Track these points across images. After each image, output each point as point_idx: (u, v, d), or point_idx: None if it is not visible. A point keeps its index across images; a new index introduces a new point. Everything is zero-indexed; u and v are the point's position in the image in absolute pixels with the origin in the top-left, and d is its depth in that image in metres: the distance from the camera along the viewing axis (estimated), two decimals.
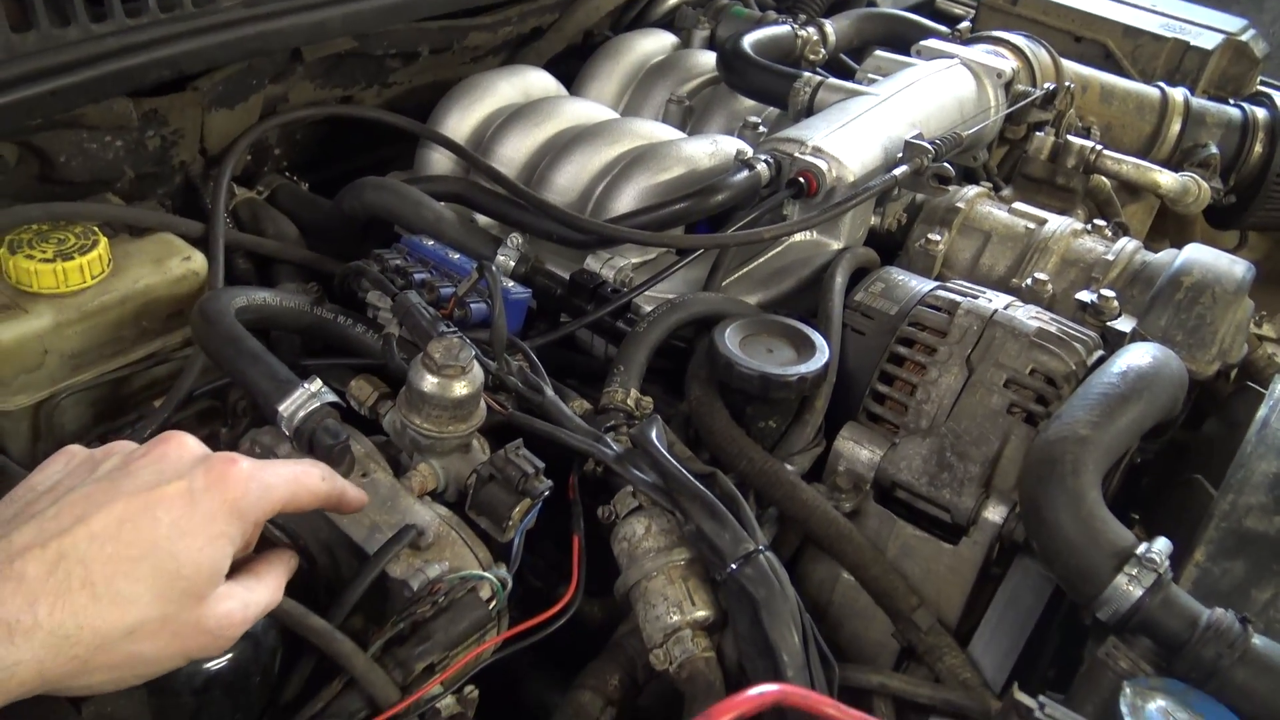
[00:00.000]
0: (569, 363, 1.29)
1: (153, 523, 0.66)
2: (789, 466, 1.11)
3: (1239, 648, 0.89)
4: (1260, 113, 2.01)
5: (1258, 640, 0.90)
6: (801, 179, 1.29)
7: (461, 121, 1.51)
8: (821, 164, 1.29)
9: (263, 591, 0.76)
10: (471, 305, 1.14)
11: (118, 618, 0.64)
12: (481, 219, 1.40)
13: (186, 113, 1.28)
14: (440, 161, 1.50)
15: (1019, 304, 1.20)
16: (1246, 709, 0.87)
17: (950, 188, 1.46)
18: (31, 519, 0.65)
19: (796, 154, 1.31)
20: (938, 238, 1.39)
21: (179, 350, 1.18)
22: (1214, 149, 1.95)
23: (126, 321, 1.13)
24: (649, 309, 1.21)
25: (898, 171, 1.30)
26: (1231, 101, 2.07)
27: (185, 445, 0.73)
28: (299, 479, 0.78)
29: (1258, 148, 1.99)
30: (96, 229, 1.13)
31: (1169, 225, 2.07)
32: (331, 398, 0.96)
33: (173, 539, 0.67)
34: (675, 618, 0.96)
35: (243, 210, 1.37)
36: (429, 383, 0.96)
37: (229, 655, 0.83)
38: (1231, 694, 0.88)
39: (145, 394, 1.18)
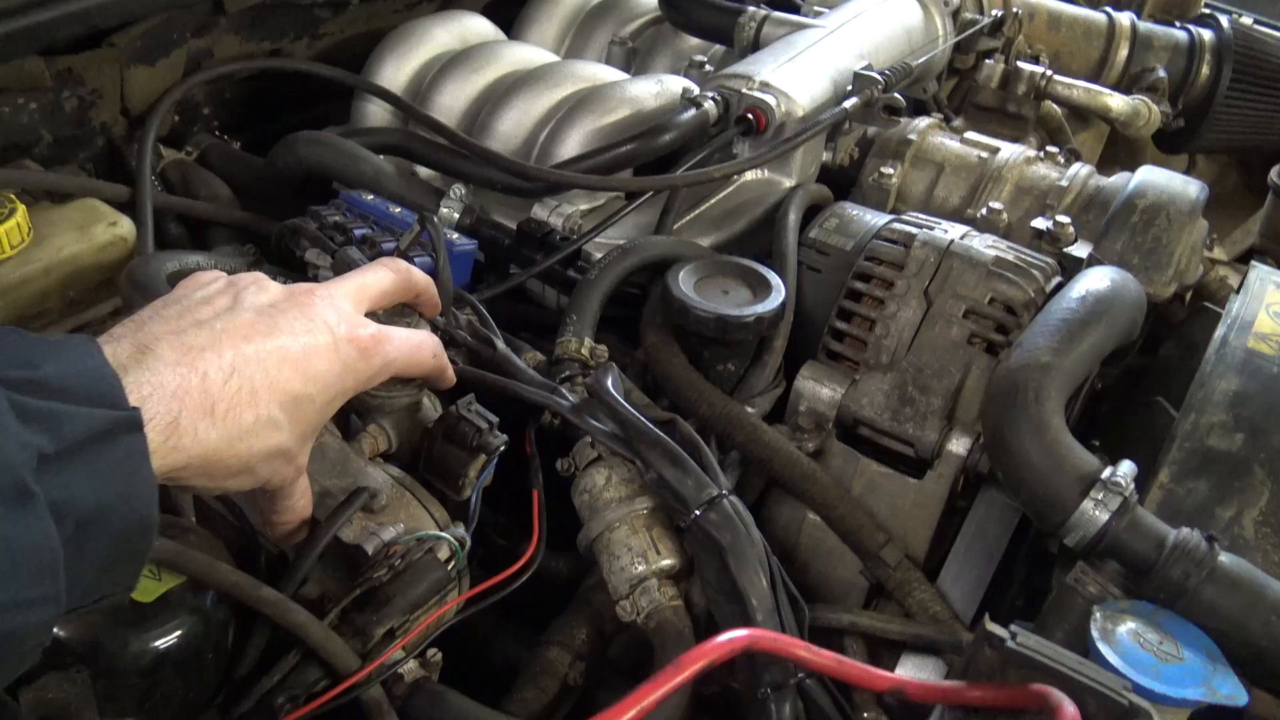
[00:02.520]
0: (521, 315, 1.26)
1: (306, 366, 0.72)
2: (749, 409, 1.09)
3: (1206, 566, 0.89)
4: (1206, 35, 2.00)
5: (1225, 558, 0.90)
6: (750, 115, 1.26)
7: (397, 71, 1.46)
8: (770, 99, 1.26)
9: (305, 484, 0.83)
10: (415, 259, 1.10)
11: (268, 440, 0.70)
12: (423, 171, 1.36)
13: (104, 71, 1.22)
14: (377, 114, 1.45)
15: (975, 234, 1.18)
16: (1215, 626, 0.87)
17: (902, 120, 1.43)
18: (201, 325, 0.69)
19: (744, 90, 1.27)
20: (891, 171, 1.37)
21: (110, 321, 1.13)
22: (1162, 73, 1.93)
23: (52, 292, 1.08)
24: (600, 256, 1.17)
25: (848, 104, 1.27)
26: (1178, 24, 2.05)
27: (322, 299, 0.77)
28: (417, 351, 0.85)
29: (1205, 70, 1.98)
30: (13, 196, 1.07)
31: (1120, 152, 2.06)
32: None
33: (317, 384, 0.73)
34: (640, 568, 0.94)
35: (172, 172, 1.31)
36: None
37: (177, 632, 0.81)
38: (1200, 612, 0.88)
39: None
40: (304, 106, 1.58)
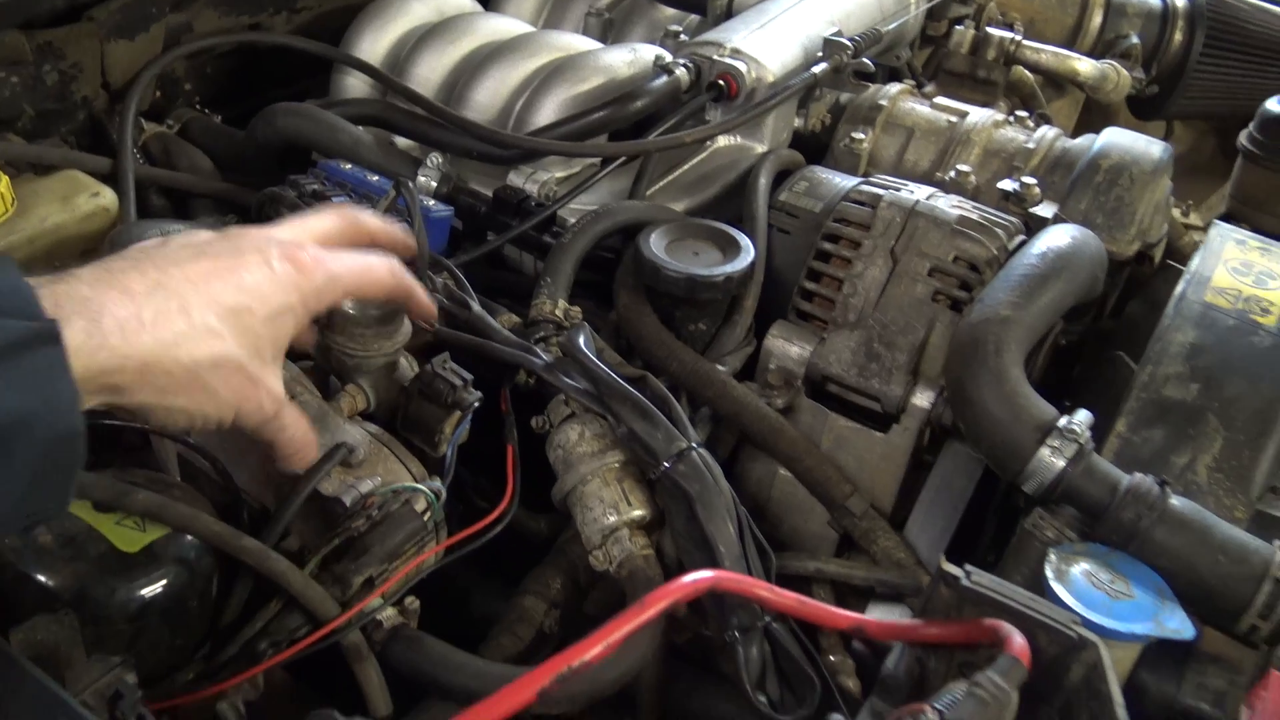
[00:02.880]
0: (500, 281, 1.28)
1: (237, 279, 0.72)
2: (720, 367, 1.12)
3: (1158, 509, 0.92)
4: (1179, 2, 2.02)
5: (1175, 501, 0.93)
6: (721, 81, 1.28)
7: (375, 44, 1.48)
8: (741, 65, 1.29)
9: (294, 412, 0.82)
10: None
11: (209, 346, 0.70)
12: (401, 141, 1.38)
13: (84, 45, 1.24)
14: (356, 87, 1.47)
15: (940, 195, 1.21)
16: (1165, 565, 0.90)
17: (873, 86, 1.45)
18: (124, 257, 0.71)
19: (715, 57, 1.30)
20: (862, 136, 1.39)
21: None
22: (1135, 39, 1.96)
23: (37, 261, 1.10)
24: (574, 221, 1.20)
25: (817, 69, 1.29)
26: None
27: (255, 233, 0.78)
28: (367, 271, 0.82)
29: (1178, 36, 2.01)
30: None
31: (1095, 119, 2.08)
32: None
33: (253, 295, 0.73)
34: (612, 518, 0.97)
35: (153, 145, 1.33)
36: (349, 301, 0.95)
37: (162, 582, 0.84)
38: (1151, 553, 0.91)
39: None
40: (284, 82, 1.60)
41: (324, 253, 0.79)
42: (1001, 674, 0.72)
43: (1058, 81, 1.89)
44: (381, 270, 0.85)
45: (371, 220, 0.89)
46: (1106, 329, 1.37)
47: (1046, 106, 1.81)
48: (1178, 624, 0.86)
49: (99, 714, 0.66)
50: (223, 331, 0.71)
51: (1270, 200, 1.73)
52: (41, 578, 0.80)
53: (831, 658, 1.01)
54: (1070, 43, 1.98)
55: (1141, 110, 2.14)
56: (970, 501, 1.12)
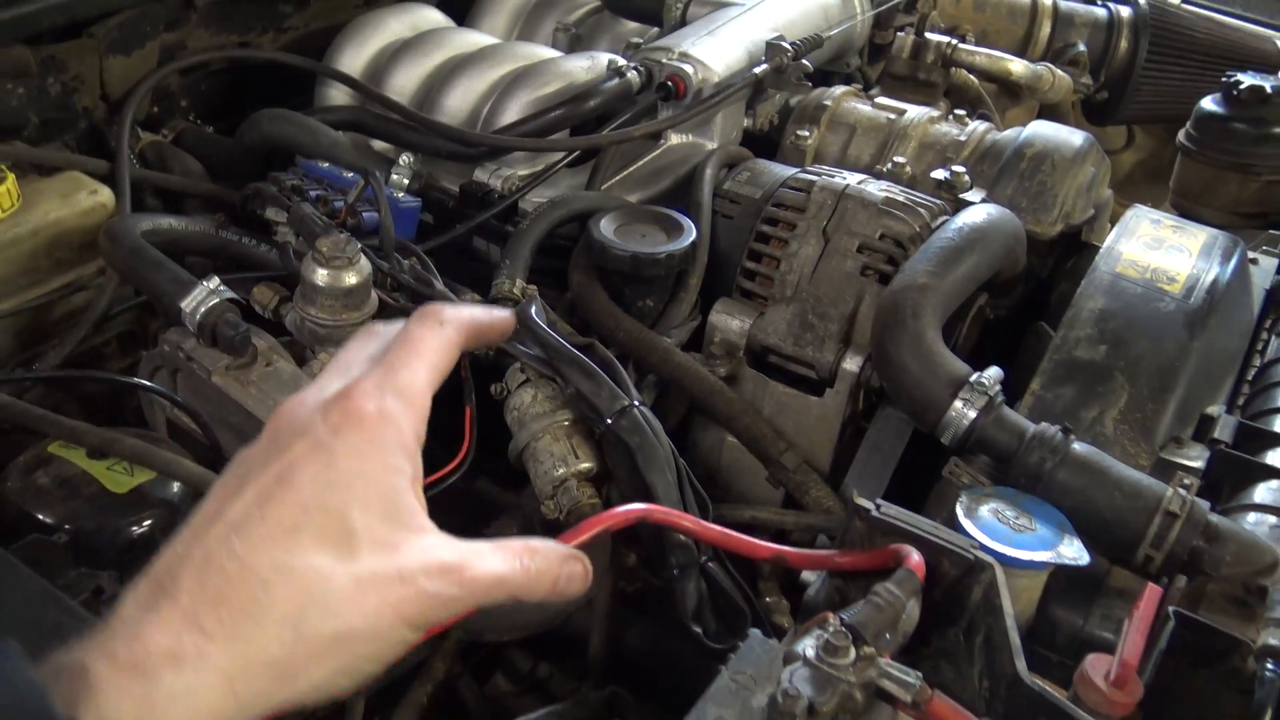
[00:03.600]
0: (468, 271, 1.38)
1: (294, 488, 0.55)
2: (666, 339, 1.21)
3: (1060, 452, 1.01)
4: (1124, 11, 2.13)
5: (1077, 446, 1.02)
6: (670, 82, 1.39)
7: (355, 58, 1.58)
8: (688, 68, 1.39)
9: (495, 559, 0.59)
10: (364, 214, 1.23)
11: (295, 594, 0.53)
12: (377, 144, 1.49)
13: (84, 59, 1.35)
14: (337, 98, 1.58)
15: (872, 180, 1.31)
16: (1068, 504, 0.98)
17: (819, 89, 1.56)
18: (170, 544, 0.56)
19: (664, 60, 1.41)
20: (807, 134, 1.50)
21: (95, 278, 1.26)
22: (1081, 47, 2.07)
23: (40, 252, 1.21)
24: (532, 209, 1.30)
25: (758, 69, 1.40)
26: (1099, 2, 2.19)
27: (294, 405, 0.59)
28: (436, 367, 0.62)
29: (1123, 44, 2.12)
30: (3, 166, 1.20)
31: None
32: (231, 295, 1.05)
33: (322, 493, 0.55)
34: (561, 470, 1.06)
35: (149, 151, 1.43)
36: (320, 275, 1.05)
37: (148, 521, 0.93)
38: (1055, 493, 0.99)
39: (67, 322, 1.26)
40: (272, 99, 1.70)
41: (379, 374, 0.60)
42: (897, 584, 0.80)
43: (1013, 91, 2.00)
44: (444, 348, 0.64)
45: (469, 314, 0.67)
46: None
47: (1000, 115, 1.91)
48: (1075, 552, 0.93)
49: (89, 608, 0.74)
50: (306, 566, 0.54)
51: (1207, 193, 1.83)
52: (40, 515, 0.90)
53: (768, 599, 1.09)
54: (1021, 52, 2.08)
55: (1095, 116, 2.24)
56: (916, 470, 1.21)
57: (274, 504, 0.54)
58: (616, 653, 1.09)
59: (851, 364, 1.19)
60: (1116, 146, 2.43)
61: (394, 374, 0.59)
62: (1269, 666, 0.81)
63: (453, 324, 0.64)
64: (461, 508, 1.15)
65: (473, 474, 1.23)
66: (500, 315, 0.70)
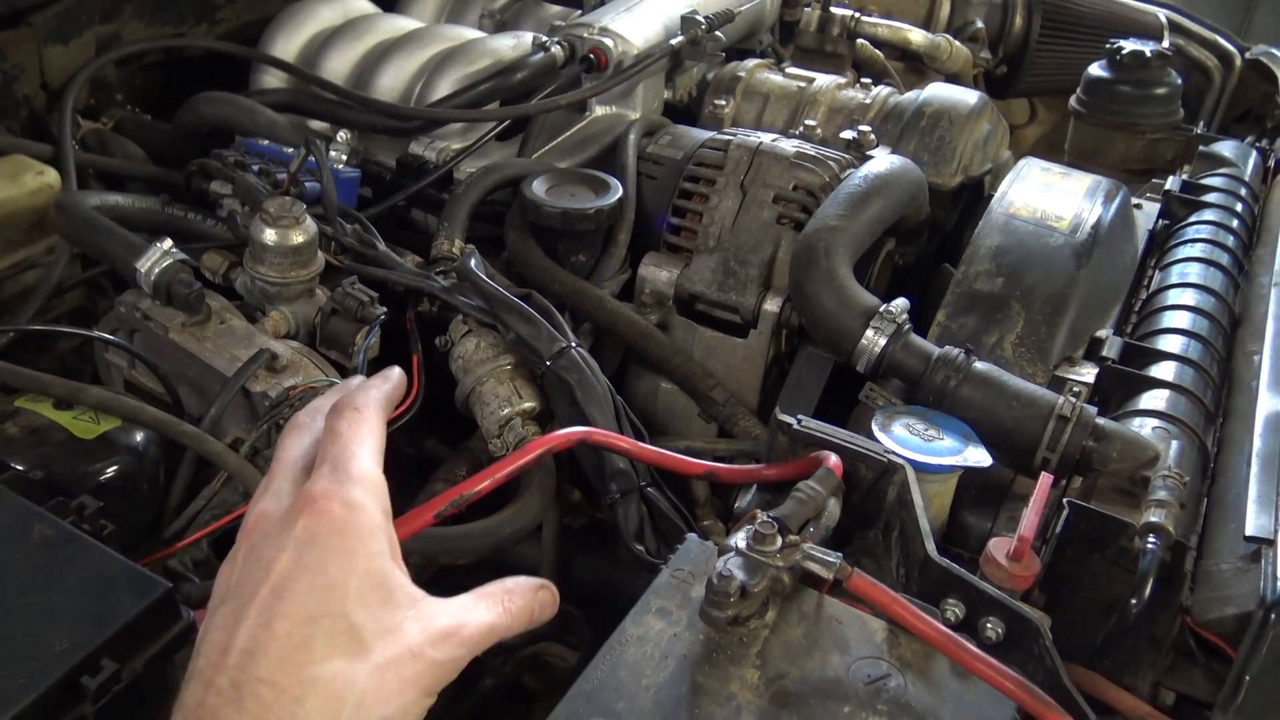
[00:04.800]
0: (408, 241, 1.44)
1: (294, 602, 0.58)
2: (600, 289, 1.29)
3: (963, 370, 1.11)
4: None
5: (978, 364, 1.12)
6: (592, 55, 1.47)
7: (288, 46, 1.64)
8: (608, 41, 1.48)
9: (482, 610, 0.65)
10: (306, 184, 1.29)
11: (328, 701, 0.56)
12: (315, 124, 1.54)
13: (23, 48, 1.39)
14: (272, 84, 1.63)
15: (784, 139, 1.40)
16: (972, 417, 1.08)
17: (734, 62, 1.66)
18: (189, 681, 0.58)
19: (585, 35, 1.49)
20: (724, 103, 1.59)
21: (45, 257, 1.30)
22: (979, 24, 2.20)
23: None
24: (466, 176, 1.37)
25: (674, 41, 1.49)
26: None
27: (259, 518, 0.63)
28: (376, 448, 0.66)
29: (1018, 20, 2.25)
30: None
31: None
32: (183, 256, 1.11)
33: (322, 601, 0.58)
34: (507, 410, 1.13)
35: (90, 139, 1.48)
36: (268, 235, 1.11)
37: (114, 467, 0.98)
38: (960, 408, 1.09)
39: (19, 301, 1.30)
40: (207, 89, 1.76)
41: (333, 467, 0.63)
42: (818, 481, 0.88)
43: (918, 67, 2.12)
44: (370, 418, 0.68)
45: (386, 385, 0.72)
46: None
47: (900, 82, 2.03)
48: (980, 457, 1.03)
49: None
50: (319, 675, 0.57)
51: (1098, 153, 1.97)
52: (12, 462, 0.94)
53: (704, 523, 1.17)
54: (924, 29, 2.21)
55: (996, 89, 2.37)
56: (838, 406, 1.29)
57: (281, 620, 0.57)
58: (564, 582, 1.17)
59: (772, 305, 1.28)
60: (1020, 122, 2.57)
61: (343, 468, 0.62)
62: (1150, 540, 0.90)
63: (370, 405, 0.68)
64: (413, 465, 1.22)
65: (421, 434, 1.30)
66: (395, 375, 0.74)
